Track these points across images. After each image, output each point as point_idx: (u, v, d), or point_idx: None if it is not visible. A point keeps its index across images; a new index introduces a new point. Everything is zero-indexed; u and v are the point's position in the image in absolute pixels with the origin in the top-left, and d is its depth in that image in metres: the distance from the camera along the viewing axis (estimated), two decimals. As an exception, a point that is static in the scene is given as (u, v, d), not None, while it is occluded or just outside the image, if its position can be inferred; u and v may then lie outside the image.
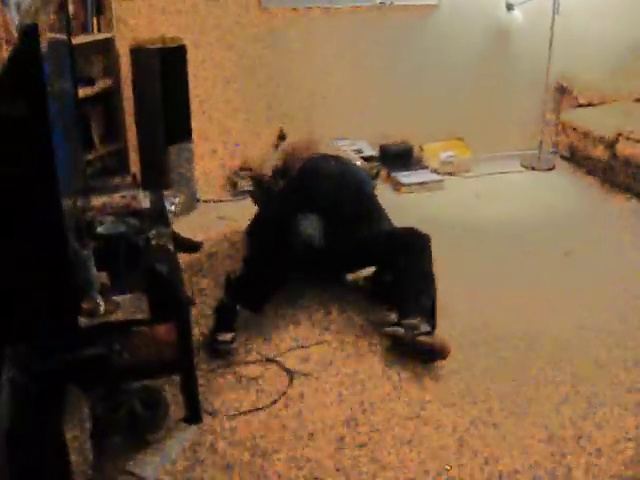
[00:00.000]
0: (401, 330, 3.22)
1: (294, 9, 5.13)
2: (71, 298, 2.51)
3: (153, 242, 3.10)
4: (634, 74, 5.94)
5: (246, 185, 5.03)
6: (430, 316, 3.28)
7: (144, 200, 3.54)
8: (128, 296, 2.70)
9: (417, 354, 3.19)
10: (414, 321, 3.21)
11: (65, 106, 3.09)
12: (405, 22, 5.47)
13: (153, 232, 3.18)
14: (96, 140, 4.71)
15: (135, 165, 4.84)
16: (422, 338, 3.16)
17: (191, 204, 4.86)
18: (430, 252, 3.54)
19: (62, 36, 3.37)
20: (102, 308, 2.61)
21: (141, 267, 2.87)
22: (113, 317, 2.60)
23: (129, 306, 2.65)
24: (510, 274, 4.05)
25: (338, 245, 3.66)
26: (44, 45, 2.43)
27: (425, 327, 3.18)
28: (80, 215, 3.11)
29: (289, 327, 3.52)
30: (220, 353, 3.27)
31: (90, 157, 4.61)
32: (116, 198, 3.53)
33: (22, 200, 2.24)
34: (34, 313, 2.40)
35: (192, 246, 4.34)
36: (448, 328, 3.45)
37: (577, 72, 5.87)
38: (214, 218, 4.73)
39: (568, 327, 3.51)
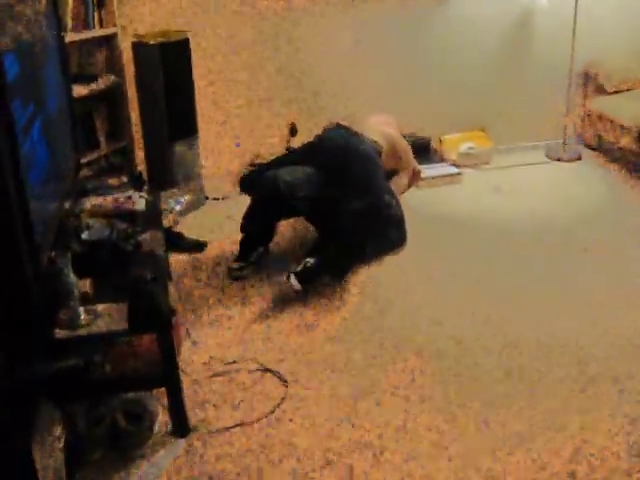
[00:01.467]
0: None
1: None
2: (43, 308, 2.40)
3: (143, 247, 2.97)
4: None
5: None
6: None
7: (139, 202, 3.40)
8: (109, 305, 2.57)
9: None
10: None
11: (49, 106, 2.97)
12: (423, 8, 5.28)
13: (144, 236, 3.05)
14: (101, 138, 4.60)
15: (141, 163, 4.72)
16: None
17: (198, 202, 4.73)
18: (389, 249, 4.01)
19: (50, 32, 3.25)
20: (82, 318, 2.49)
21: (126, 274, 2.74)
22: (93, 328, 2.48)
23: (110, 316, 2.53)
24: (527, 274, 3.84)
25: (324, 203, 3.88)
26: (9, 46, 2.31)
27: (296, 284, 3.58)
28: (65, 219, 2.98)
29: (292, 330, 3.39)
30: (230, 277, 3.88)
31: (95, 155, 4.51)
32: (110, 200, 3.40)
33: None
34: (1, 324, 2.29)
35: (196, 246, 4.22)
36: (458, 330, 3.31)
37: (603, 58, 5.60)
38: (222, 216, 4.59)
39: (586, 333, 3.30)
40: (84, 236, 2.88)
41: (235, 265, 3.92)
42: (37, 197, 2.47)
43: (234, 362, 3.14)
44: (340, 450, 2.60)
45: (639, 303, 3.51)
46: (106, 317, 2.51)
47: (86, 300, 2.57)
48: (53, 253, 2.53)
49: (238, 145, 5.19)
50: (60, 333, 2.44)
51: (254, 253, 3.97)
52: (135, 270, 2.73)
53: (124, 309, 2.54)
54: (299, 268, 3.62)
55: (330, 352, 3.20)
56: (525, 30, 5.53)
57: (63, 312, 2.49)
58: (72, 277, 2.51)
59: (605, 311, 3.46)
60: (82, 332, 2.45)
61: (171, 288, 3.31)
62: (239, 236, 4.03)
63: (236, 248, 4.01)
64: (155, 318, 2.51)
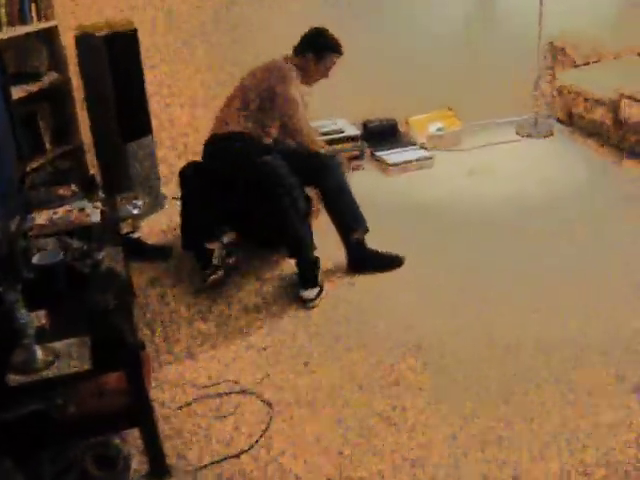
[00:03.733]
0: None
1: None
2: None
3: (101, 266, 2.67)
4: (634, 26, 5.45)
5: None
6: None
7: (93, 213, 3.10)
8: (70, 341, 2.28)
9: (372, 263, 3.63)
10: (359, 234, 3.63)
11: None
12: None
13: (101, 253, 2.75)
14: (47, 141, 4.25)
15: (92, 166, 4.38)
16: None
17: (157, 203, 4.42)
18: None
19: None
20: (39, 360, 2.19)
21: (85, 301, 2.45)
22: (52, 370, 2.18)
23: (70, 353, 2.23)
24: (504, 262, 3.65)
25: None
26: None
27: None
28: (13, 241, 2.67)
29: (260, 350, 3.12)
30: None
31: (41, 161, 4.16)
32: (61, 213, 3.09)
33: None
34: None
35: (160, 253, 3.92)
36: (430, 325, 3.15)
37: (571, 29, 5.39)
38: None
39: (560, 329, 3.09)
40: (35, 260, 2.56)
41: (207, 271, 3.60)
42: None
43: (211, 385, 2.87)
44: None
45: (625, 291, 3.33)
46: (66, 355, 2.22)
47: (42, 335, 2.28)
48: (0, 287, 2.23)
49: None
50: (15, 379, 2.14)
51: (215, 256, 3.63)
52: (94, 296, 2.44)
53: (86, 344, 2.26)
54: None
55: (309, 359, 2.96)
56: (490, 4, 5.29)
57: (17, 353, 2.19)
58: (24, 312, 2.20)
59: (596, 302, 3.27)
60: (40, 376, 2.15)
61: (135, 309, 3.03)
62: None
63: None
64: (121, 354, 2.23)
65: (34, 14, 4.04)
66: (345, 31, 4.77)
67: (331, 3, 4.88)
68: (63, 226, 2.98)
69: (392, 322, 3.20)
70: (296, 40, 3.90)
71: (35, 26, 4.05)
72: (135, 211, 4.15)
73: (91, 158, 4.40)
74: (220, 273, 3.60)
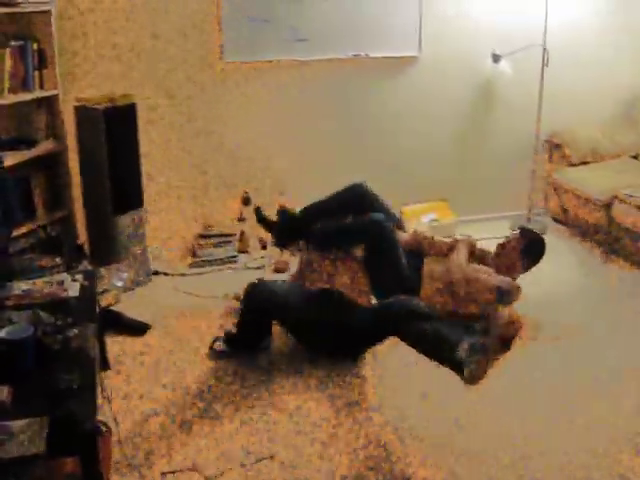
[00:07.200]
0: None
1: (258, 62, 4.72)
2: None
3: (71, 344, 2.62)
4: (630, 128, 5.54)
5: (206, 254, 4.64)
6: None
7: (72, 287, 3.07)
8: (28, 421, 2.21)
9: None
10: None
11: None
12: (382, 75, 5.07)
13: (74, 331, 2.70)
14: (39, 207, 4.25)
15: (82, 235, 4.38)
16: None
17: (143, 277, 4.38)
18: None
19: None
20: (-7, 437, 2.13)
21: (50, 380, 2.40)
22: (5, 450, 2.11)
23: (26, 433, 2.16)
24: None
25: None
26: None
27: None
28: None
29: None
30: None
31: (32, 226, 4.16)
32: (39, 285, 3.06)
33: None
34: None
35: (136, 328, 3.87)
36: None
37: (569, 128, 5.45)
38: (169, 293, 4.26)
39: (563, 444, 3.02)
40: (2, 333, 2.52)
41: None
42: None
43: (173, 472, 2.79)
44: None
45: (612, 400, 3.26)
46: (22, 435, 2.15)
47: (1, 412, 2.22)
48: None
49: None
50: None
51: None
52: (58, 376, 2.38)
53: (44, 425, 2.19)
54: None
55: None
56: (489, 99, 5.37)
57: (-29, 431, 2.13)
58: (-18, 388, 2.16)
59: (577, 409, 3.20)
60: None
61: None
62: (188, 319, 3.75)
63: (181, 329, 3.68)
64: (77, 438, 2.16)
65: (37, 82, 4.11)
66: (342, 122, 4.87)
67: (327, 90, 4.95)
68: (39, 299, 2.94)
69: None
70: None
71: (36, 94, 4.10)
72: (119, 283, 4.15)
73: (81, 228, 4.39)
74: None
